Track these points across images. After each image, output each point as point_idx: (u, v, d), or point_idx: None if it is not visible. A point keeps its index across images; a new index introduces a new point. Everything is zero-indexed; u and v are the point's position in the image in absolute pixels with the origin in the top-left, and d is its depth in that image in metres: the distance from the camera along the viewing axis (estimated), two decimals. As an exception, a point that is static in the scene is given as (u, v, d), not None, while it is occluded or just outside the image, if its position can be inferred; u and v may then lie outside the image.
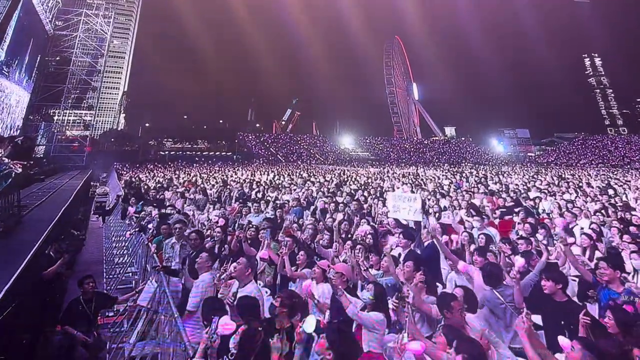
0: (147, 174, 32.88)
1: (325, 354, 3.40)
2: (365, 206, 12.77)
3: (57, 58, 48.07)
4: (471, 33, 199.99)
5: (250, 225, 9.12)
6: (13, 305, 5.49)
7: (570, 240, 7.73)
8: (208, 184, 22.06)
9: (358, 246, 6.95)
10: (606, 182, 22.54)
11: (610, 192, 16.23)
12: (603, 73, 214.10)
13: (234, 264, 5.45)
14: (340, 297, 4.59)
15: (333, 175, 30.37)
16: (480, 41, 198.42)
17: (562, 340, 3.53)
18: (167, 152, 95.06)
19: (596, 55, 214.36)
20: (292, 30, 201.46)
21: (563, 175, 30.57)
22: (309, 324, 3.61)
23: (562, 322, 4.47)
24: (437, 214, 11.73)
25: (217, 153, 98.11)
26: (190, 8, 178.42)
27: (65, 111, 49.26)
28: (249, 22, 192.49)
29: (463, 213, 11.04)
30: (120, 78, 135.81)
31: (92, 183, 31.56)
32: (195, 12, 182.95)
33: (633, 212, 11.07)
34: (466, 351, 3.28)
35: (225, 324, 3.63)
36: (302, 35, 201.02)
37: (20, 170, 8.55)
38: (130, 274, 10.27)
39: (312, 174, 32.11)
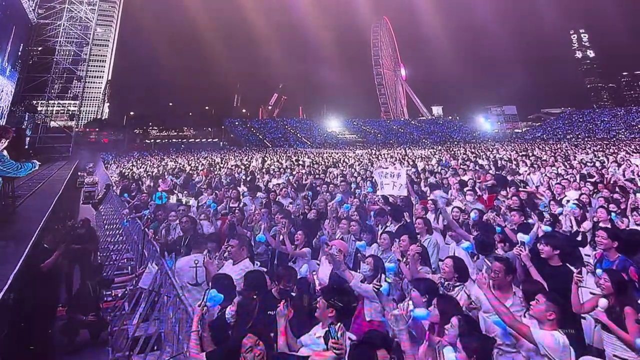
0: (134, 163, 32.93)
1: (327, 313, 3.54)
2: (353, 187, 12.85)
3: (40, 48, 47.08)
4: (457, 12, 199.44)
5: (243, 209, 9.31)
6: (21, 296, 5.58)
7: (557, 210, 7.97)
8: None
9: (352, 223, 7.14)
10: (591, 154, 22.83)
11: (597, 164, 16.46)
12: (589, 47, 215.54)
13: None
14: (344, 272, 4.74)
15: (321, 158, 30.61)
16: (466, 20, 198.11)
17: None
18: (152, 141, 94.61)
19: (582, 30, 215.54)
20: (277, 14, 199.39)
21: (549, 149, 30.95)
22: None
23: (555, 286, 4.63)
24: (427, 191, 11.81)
25: (204, 140, 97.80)
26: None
27: (49, 102, 48.46)
28: (233, 7, 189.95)
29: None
30: (104, 67, 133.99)
31: (79, 173, 31.31)
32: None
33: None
34: (442, 306, 3.61)
35: (215, 296, 3.80)
36: (288, 19, 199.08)
37: None
38: (126, 259, 10.36)
39: (299, 158, 32.21)
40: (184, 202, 10.30)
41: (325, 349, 3.14)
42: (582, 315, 4.56)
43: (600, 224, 7.10)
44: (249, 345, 3.07)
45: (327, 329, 3.27)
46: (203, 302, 3.72)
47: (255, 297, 3.94)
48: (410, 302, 3.61)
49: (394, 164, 19.23)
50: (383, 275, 4.70)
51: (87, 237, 10.10)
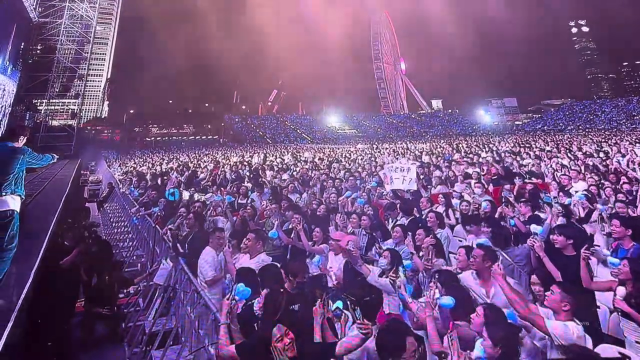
0: (136, 161, 32.92)
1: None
2: (359, 182, 12.85)
3: (41, 46, 46.85)
4: (457, 5, 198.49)
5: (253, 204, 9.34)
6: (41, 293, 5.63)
7: (566, 201, 8.00)
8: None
9: (363, 217, 7.21)
10: (595, 145, 22.79)
11: (602, 155, 16.41)
12: (589, 39, 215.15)
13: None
14: (361, 267, 4.79)
15: (322, 154, 30.67)
16: (465, 13, 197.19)
17: None
18: (152, 138, 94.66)
19: (582, 21, 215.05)
20: (275, 10, 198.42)
21: (551, 141, 30.92)
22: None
23: (570, 276, 4.67)
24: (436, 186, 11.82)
25: (204, 137, 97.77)
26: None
27: (50, 100, 48.34)
28: (232, 4, 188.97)
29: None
30: (104, 65, 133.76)
31: (82, 171, 31.36)
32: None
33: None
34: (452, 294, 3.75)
35: (243, 289, 3.94)
36: (287, 15, 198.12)
37: None
38: (136, 257, 10.39)
39: (301, 154, 32.22)
40: (196, 199, 10.35)
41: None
42: (597, 304, 4.61)
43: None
44: (279, 335, 3.20)
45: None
46: (231, 295, 3.85)
47: (282, 290, 4.01)
48: (437, 291, 3.66)
49: (398, 158, 19.23)
50: (400, 268, 4.77)
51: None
